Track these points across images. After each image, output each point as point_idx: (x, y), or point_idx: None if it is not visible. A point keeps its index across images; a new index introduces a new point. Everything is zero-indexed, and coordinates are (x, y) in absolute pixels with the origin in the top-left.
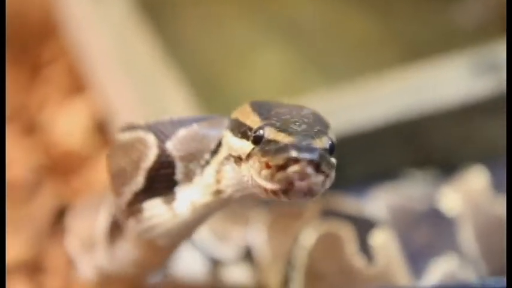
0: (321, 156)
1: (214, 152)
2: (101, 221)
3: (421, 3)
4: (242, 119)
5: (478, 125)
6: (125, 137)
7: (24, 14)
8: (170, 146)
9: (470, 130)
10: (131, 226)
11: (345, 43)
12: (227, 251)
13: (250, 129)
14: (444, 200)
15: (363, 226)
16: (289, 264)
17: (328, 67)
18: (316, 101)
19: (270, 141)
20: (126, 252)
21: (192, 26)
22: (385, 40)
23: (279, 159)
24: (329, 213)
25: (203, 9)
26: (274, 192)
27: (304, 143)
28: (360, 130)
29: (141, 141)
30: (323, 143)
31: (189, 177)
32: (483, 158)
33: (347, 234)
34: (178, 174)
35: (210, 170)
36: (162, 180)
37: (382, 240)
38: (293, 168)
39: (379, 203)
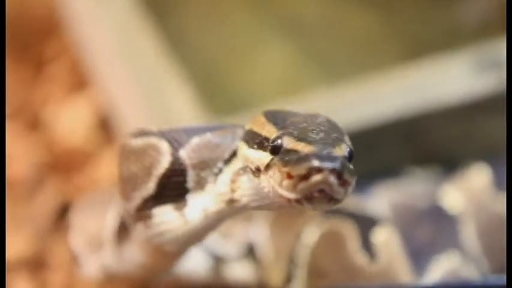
0: (343, 165)
1: (228, 161)
2: (110, 221)
3: (423, 1)
4: (257, 129)
5: (479, 123)
6: (137, 142)
7: (27, 11)
8: (183, 154)
9: (472, 128)
10: (139, 231)
11: (346, 41)
12: (230, 248)
13: (267, 139)
14: (446, 197)
15: (365, 224)
16: (291, 262)
17: (329, 65)
18: (317, 98)
19: (289, 151)
20: (133, 255)
21: (195, 22)
22: (387, 38)
23: (301, 169)
24: (331, 211)
25: (206, 6)
26: (297, 201)
27: (325, 152)
28: (361, 128)
29: (155, 148)
30: (342, 150)
31: (200, 185)
32: (485, 156)
33: (349, 232)
34: (190, 182)
35: (224, 179)
36: (173, 187)
37: (384, 237)
38: (316, 178)
39: (381, 200)
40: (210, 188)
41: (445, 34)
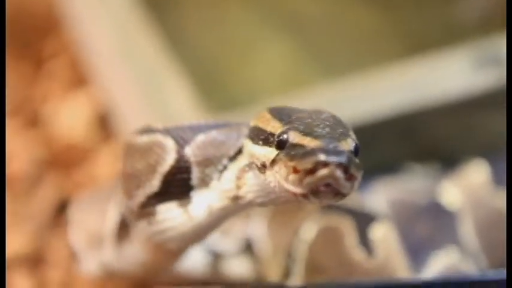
0: (349, 159)
1: (233, 158)
2: (110, 218)
3: None
4: (262, 126)
5: (478, 119)
6: (142, 139)
7: (27, 9)
8: (188, 151)
9: (471, 124)
10: (141, 228)
11: (346, 38)
12: (228, 243)
13: (272, 135)
14: (444, 193)
15: (363, 220)
16: (289, 257)
17: (329, 61)
18: (317, 95)
19: (295, 146)
20: (134, 253)
21: (194, 20)
22: (386, 35)
23: (308, 164)
24: (329, 207)
25: (205, 4)
26: (303, 195)
27: (331, 146)
28: (360, 123)
29: (160, 145)
30: (348, 145)
31: (205, 182)
32: (483, 152)
33: (347, 228)
34: (194, 179)
35: (229, 176)
36: (177, 184)
37: (382, 233)
38: (322, 172)
39: (379, 196)
40: (214, 185)
41: (444, 30)
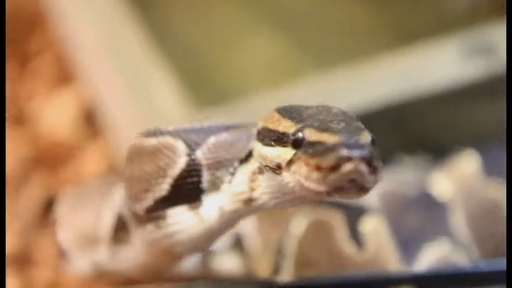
0: (371, 152)
1: (244, 160)
2: (106, 218)
3: None
4: (272, 126)
5: (468, 109)
6: (151, 142)
7: (12, 6)
8: (200, 154)
9: (461, 114)
10: (148, 231)
11: (335, 28)
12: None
13: (286, 134)
14: (435, 184)
15: (353, 213)
16: (279, 253)
17: (319, 53)
18: (306, 87)
19: (313, 143)
20: (133, 255)
21: (181, 14)
22: (377, 25)
23: (331, 160)
24: (319, 201)
25: None
26: (327, 193)
27: (352, 141)
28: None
29: (170, 148)
30: (366, 138)
31: (216, 185)
32: (474, 142)
33: (337, 222)
34: (205, 183)
35: (241, 179)
36: (188, 188)
37: (372, 226)
38: (346, 168)
39: None
40: (226, 187)
41: (433, 21)
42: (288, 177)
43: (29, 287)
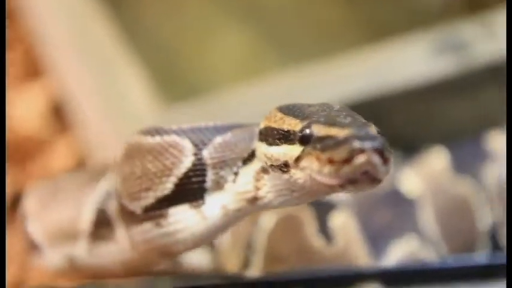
0: (383, 143)
1: (247, 160)
2: (86, 213)
3: None
4: (276, 125)
5: (439, 105)
6: (155, 140)
7: None
8: (206, 154)
9: (432, 110)
10: (144, 230)
11: (307, 24)
12: None
13: (292, 132)
14: (405, 181)
15: (323, 208)
16: (249, 247)
17: (290, 49)
18: (277, 83)
19: (322, 138)
20: (116, 251)
21: (151, 9)
22: (349, 21)
23: (344, 153)
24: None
25: None
26: (340, 186)
27: (363, 133)
28: None
29: (176, 147)
30: (374, 130)
31: (219, 184)
32: (444, 139)
33: (307, 216)
34: (209, 182)
35: (245, 178)
36: (192, 187)
37: (341, 221)
38: (360, 159)
39: None
40: (229, 187)
41: (405, 17)
42: (297, 174)
43: None
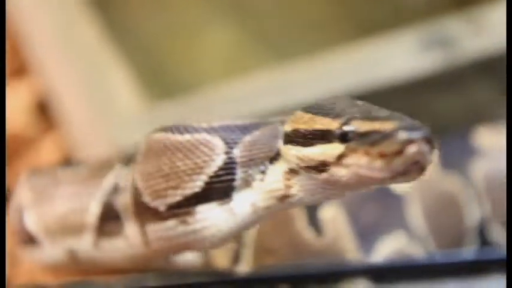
0: (429, 132)
1: (274, 158)
2: (92, 207)
3: None
4: (307, 126)
5: (426, 101)
6: (185, 138)
7: None
8: (237, 152)
9: (419, 106)
10: (167, 227)
11: (295, 21)
12: None
13: (327, 131)
14: None
15: None
16: (239, 241)
17: (277, 45)
18: (265, 79)
19: (366, 134)
20: (125, 247)
21: (137, 6)
22: (337, 17)
23: (395, 145)
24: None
25: None
26: (391, 178)
27: (408, 124)
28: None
29: (208, 145)
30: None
31: (247, 182)
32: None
33: (297, 210)
34: (237, 180)
35: (274, 177)
36: (221, 186)
37: (330, 214)
38: (411, 150)
39: None
40: (257, 185)
41: (393, 13)
42: (340, 172)
43: None
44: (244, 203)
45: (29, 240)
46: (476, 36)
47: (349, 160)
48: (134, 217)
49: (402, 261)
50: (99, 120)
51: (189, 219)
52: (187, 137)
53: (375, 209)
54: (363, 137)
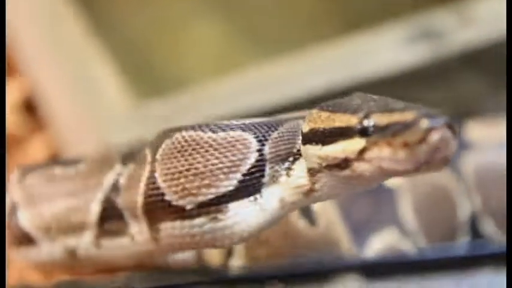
0: (449, 118)
1: (298, 154)
2: (93, 206)
3: None
4: (325, 125)
5: (413, 94)
6: (220, 136)
7: None
8: (266, 149)
9: (406, 99)
10: (193, 225)
11: (281, 16)
12: None
13: (347, 127)
14: None
15: None
16: None
17: (265, 40)
18: (251, 74)
19: (386, 126)
20: (130, 246)
21: (123, 4)
22: (323, 11)
23: (418, 133)
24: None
25: None
26: (415, 169)
27: (427, 112)
28: (295, 102)
29: (243, 143)
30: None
31: (274, 177)
32: None
33: None
34: (266, 176)
35: (300, 172)
36: (252, 182)
37: (323, 205)
38: (434, 137)
39: None
40: (284, 180)
41: (379, 7)
42: (363, 166)
43: None
44: (273, 198)
45: (24, 239)
46: (462, 29)
47: (371, 154)
48: (145, 216)
49: (394, 256)
50: (87, 118)
51: (221, 216)
52: (222, 134)
53: (367, 202)
54: (383, 129)
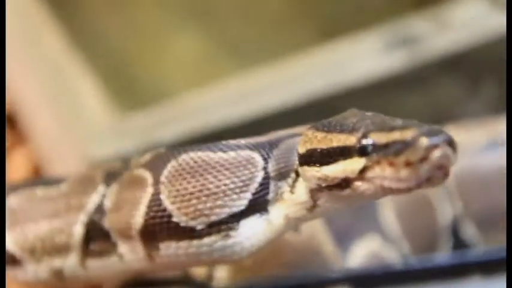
0: (449, 134)
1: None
2: (77, 227)
3: None
4: (321, 145)
5: (392, 100)
6: (230, 155)
7: None
8: (270, 167)
9: (385, 106)
10: (203, 244)
11: (259, 24)
12: None
13: (345, 147)
14: None
15: None
16: None
17: (243, 51)
18: (232, 85)
19: (385, 145)
20: (118, 265)
21: (103, 15)
22: (300, 19)
23: (420, 152)
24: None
25: None
26: (417, 186)
27: (427, 130)
28: (275, 112)
29: (252, 162)
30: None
31: (278, 194)
32: None
33: None
34: (271, 193)
35: (302, 189)
36: (260, 200)
37: None
38: (436, 154)
39: None
40: (288, 196)
41: (356, 13)
42: (364, 186)
43: None
44: (279, 215)
45: (10, 260)
46: (440, 34)
47: (373, 173)
48: (142, 236)
49: (380, 267)
50: (68, 132)
51: (232, 233)
52: (232, 154)
53: (350, 210)
54: (383, 148)
